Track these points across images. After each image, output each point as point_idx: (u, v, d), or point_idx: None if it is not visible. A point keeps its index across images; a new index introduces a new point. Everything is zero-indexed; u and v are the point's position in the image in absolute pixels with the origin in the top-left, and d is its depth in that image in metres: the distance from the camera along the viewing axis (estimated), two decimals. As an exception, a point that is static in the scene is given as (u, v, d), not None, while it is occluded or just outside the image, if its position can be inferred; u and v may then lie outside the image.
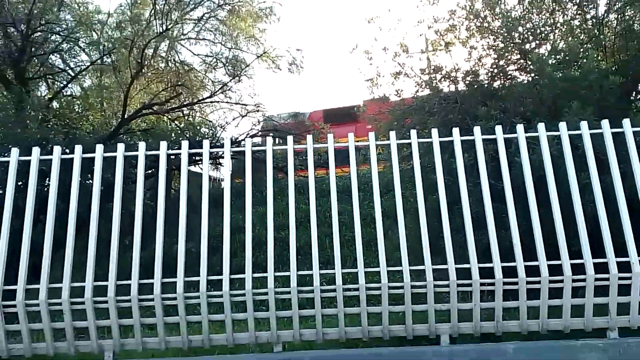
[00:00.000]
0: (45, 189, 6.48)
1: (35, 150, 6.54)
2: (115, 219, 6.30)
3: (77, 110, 14.06)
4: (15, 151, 6.53)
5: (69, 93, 15.20)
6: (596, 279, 5.83)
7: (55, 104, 13.96)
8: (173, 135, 14.26)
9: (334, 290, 6.00)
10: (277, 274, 6.10)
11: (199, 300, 6.00)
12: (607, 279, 5.83)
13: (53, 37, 14.15)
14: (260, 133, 15.26)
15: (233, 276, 6.05)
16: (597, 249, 5.93)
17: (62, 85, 14.88)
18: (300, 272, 6.08)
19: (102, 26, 14.73)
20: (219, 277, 6.03)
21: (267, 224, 6.31)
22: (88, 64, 14.77)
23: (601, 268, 5.88)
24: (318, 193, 6.71)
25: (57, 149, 6.54)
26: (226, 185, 6.47)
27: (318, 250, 6.19)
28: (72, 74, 14.93)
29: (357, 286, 5.98)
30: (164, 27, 14.48)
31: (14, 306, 5.97)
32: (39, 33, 13.36)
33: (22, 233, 6.20)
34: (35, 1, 12.81)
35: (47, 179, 6.49)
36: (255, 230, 6.39)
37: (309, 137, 6.81)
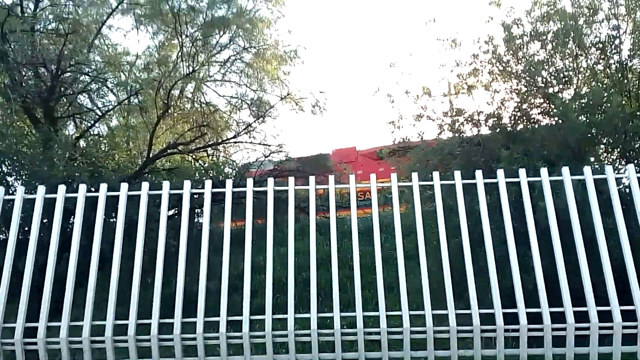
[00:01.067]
0: (70, 226, 6.53)
1: (61, 188, 6.62)
2: (137, 257, 6.32)
3: (103, 149, 14.20)
4: (41, 189, 6.61)
5: (96, 132, 15.37)
6: (624, 327, 5.70)
7: (82, 143, 14.12)
8: (197, 174, 14.33)
9: (355, 334, 5.93)
10: (298, 315, 6.04)
11: (218, 341, 5.95)
12: (635, 327, 5.69)
13: (82, 78, 14.37)
14: (283, 173, 15.31)
15: (253, 317, 6.02)
16: (625, 296, 5.82)
17: (89, 124, 15.07)
18: (321, 314, 6.03)
19: (130, 67, 14.95)
20: (239, 318, 5.99)
21: (287, 264, 6.28)
22: (115, 104, 14.95)
23: (629, 316, 5.75)
24: (339, 234, 6.68)
25: (82, 187, 6.62)
26: (248, 225, 6.47)
27: (339, 292, 6.13)
28: (100, 114, 15.12)
29: (379, 330, 5.91)
30: (191, 69, 14.67)
31: (35, 344, 5.97)
32: (69, 73, 13.59)
33: (46, 269, 6.23)
34: (66, 42, 13.09)
35: (72, 216, 6.55)
36: (275, 271, 6.36)
37: (331, 178, 6.83)
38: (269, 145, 15.84)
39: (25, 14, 13.93)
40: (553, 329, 5.76)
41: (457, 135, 9.85)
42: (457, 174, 6.57)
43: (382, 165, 14.91)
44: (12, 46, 12.72)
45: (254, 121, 15.83)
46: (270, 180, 6.73)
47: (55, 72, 13.00)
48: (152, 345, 5.93)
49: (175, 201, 7.41)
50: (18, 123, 13.82)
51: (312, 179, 6.80)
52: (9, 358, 6.08)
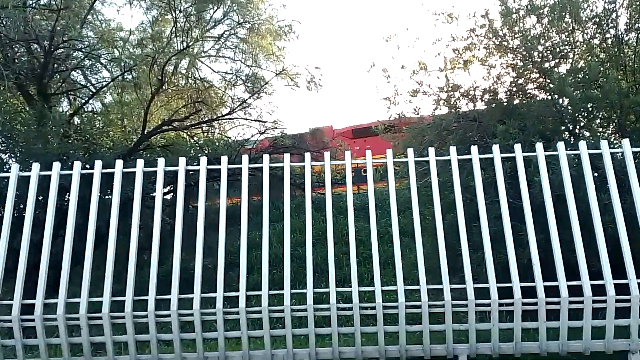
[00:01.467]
0: (65, 204, 6.53)
1: (56, 166, 6.61)
2: (133, 234, 6.33)
3: (97, 126, 14.16)
4: (36, 166, 6.59)
5: (90, 109, 15.32)
6: (617, 300, 5.75)
7: (76, 120, 14.08)
8: (192, 151, 14.33)
9: (351, 309, 5.97)
10: (294, 291, 6.08)
11: (215, 317, 5.99)
12: (629, 300, 5.74)
13: (75, 54, 14.30)
14: (278, 149, 15.32)
15: (250, 293, 6.05)
16: (618, 270, 5.86)
17: (83, 101, 15.01)
18: (317, 290, 6.07)
19: (123, 43, 14.86)
20: (236, 294, 6.02)
21: (284, 240, 6.30)
22: (109, 80, 14.89)
23: (622, 289, 5.79)
24: (335, 210, 6.71)
25: (77, 164, 6.61)
26: (243, 202, 6.47)
27: (335, 268, 6.16)
28: (94, 90, 15.06)
29: (374, 305, 5.95)
30: (185, 45, 14.59)
31: (32, 320, 6.00)
32: (62, 50, 13.51)
33: (42, 247, 6.24)
34: (59, 18, 12.97)
35: (67, 193, 6.56)
36: (272, 247, 6.39)
37: (327, 155, 6.82)
38: (265, 122, 15.84)
39: (17, -11, 13.79)
40: (547, 303, 5.81)
41: (453, 110, 9.83)
42: (453, 149, 6.57)
43: (357, 143, 15.01)
44: (4, 22, 12.62)
45: (249, 97, 15.81)
46: (266, 157, 6.71)
47: (48, 49, 12.91)
48: (149, 321, 5.97)
49: (171, 178, 7.40)
50: (11, 100, 13.77)
51: (307, 155, 6.79)
52: (7, 335, 6.12)
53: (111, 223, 6.35)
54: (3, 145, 12.78)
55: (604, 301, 5.76)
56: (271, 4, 16.13)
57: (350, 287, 6.02)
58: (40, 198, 6.69)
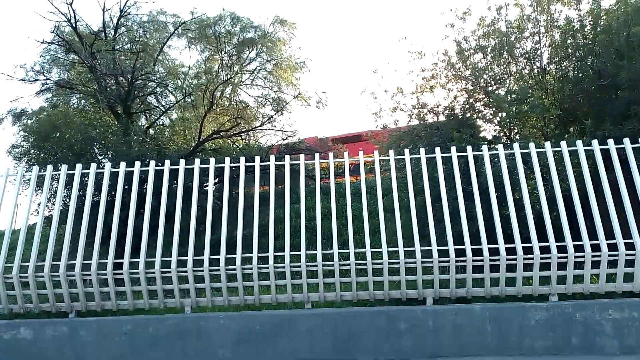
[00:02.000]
0: (144, 191, 6.58)
1: (137, 164, 6.66)
2: (193, 212, 6.37)
3: (166, 135, 14.24)
4: (122, 164, 6.64)
5: (161, 123, 15.40)
6: (541, 258, 5.74)
7: (151, 131, 14.16)
8: (234, 153, 14.36)
9: (349, 265, 5.99)
10: (308, 252, 6.11)
11: (252, 271, 6.03)
12: (549, 258, 5.74)
13: (150, 84, 14.37)
14: (296, 151, 15.36)
15: (276, 254, 6.08)
16: (542, 236, 5.85)
17: (156, 117, 15.09)
18: (324, 251, 6.08)
19: (184, 76, 14.91)
20: (266, 254, 6.05)
21: (300, 216, 6.33)
22: (174, 103, 14.96)
23: (544, 250, 5.79)
24: (337, 194, 6.72)
25: (152, 163, 6.65)
26: (271, 189, 6.49)
27: (337, 236, 6.18)
28: (163, 110, 15.15)
29: (366, 262, 5.97)
30: (228, 76, 14.63)
31: (121, 274, 6.06)
32: (140, 81, 13.58)
33: (127, 222, 6.30)
34: (138, 58, 13.06)
35: (145, 184, 6.59)
36: (292, 221, 6.41)
37: (331, 155, 6.84)
38: (286, 131, 15.86)
39: (108, 38, 13.88)
40: (490, 260, 5.81)
41: (422, 122, 9.82)
42: (422, 150, 6.56)
43: (336, 148, 15.07)
44: (99, 61, 12.69)
45: (275, 114, 15.80)
46: (287, 157, 6.75)
47: (130, 80, 12.99)
48: (204, 274, 6.02)
49: (219, 172, 7.42)
50: (105, 117, 13.88)
51: (317, 155, 6.83)
52: (104, 284, 6.18)
53: (177, 204, 6.39)
54: (99, 149, 12.87)
55: (532, 258, 5.76)
56: (290, 47, 16.13)
57: (349, 249, 6.04)
58: (125, 187, 6.73)
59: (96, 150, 12.90)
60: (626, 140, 6.22)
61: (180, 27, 14.78)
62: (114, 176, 6.70)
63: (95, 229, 6.26)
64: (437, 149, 6.54)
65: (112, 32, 14.29)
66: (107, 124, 13.54)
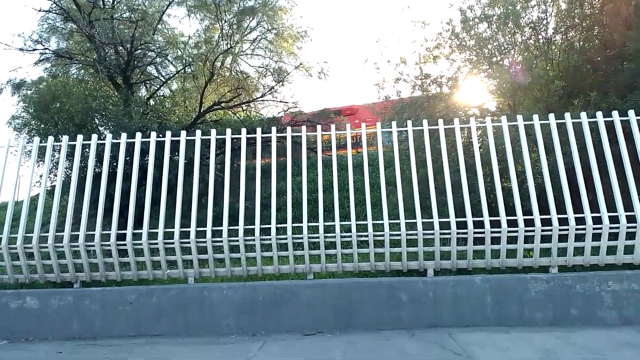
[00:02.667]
0: (145, 162, 6.55)
1: (138, 135, 6.61)
2: (195, 184, 6.36)
3: (167, 106, 14.13)
4: (124, 136, 6.59)
5: (161, 94, 15.28)
6: (542, 230, 5.75)
7: (151, 102, 14.05)
8: (235, 124, 14.30)
9: (350, 237, 6.01)
10: (310, 224, 6.11)
11: (254, 242, 6.05)
12: (550, 230, 5.74)
13: (150, 54, 14.20)
14: (297, 123, 15.28)
15: (278, 225, 6.09)
16: (543, 209, 5.84)
17: (156, 88, 14.96)
18: (326, 223, 6.09)
19: (184, 45, 14.69)
20: (269, 226, 6.07)
21: (302, 189, 6.31)
22: (174, 73, 14.80)
23: (545, 222, 5.79)
24: (339, 166, 6.69)
25: (153, 134, 6.60)
26: (273, 161, 6.47)
27: (339, 208, 6.18)
28: (164, 80, 15.00)
29: (367, 234, 5.98)
30: (229, 46, 14.41)
31: (125, 245, 6.09)
32: (140, 50, 13.41)
33: (130, 193, 6.29)
34: (137, 27, 12.86)
35: (146, 155, 6.56)
36: (294, 193, 6.40)
37: (333, 127, 6.77)
38: (287, 103, 15.75)
39: (106, 6, 13.63)
40: (492, 232, 5.81)
41: (425, 93, 9.70)
42: (425, 122, 6.49)
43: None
44: (97, 30, 12.50)
45: (276, 85, 15.66)
46: (289, 128, 6.68)
47: (130, 50, 12.83)
48: (207, 245, 6.04)
49: (220, 144, 7.37)
50: (104, 88, 13.74)
51: (319, 127, 6.75)
52: (107, 254, 6.22)
53: (179, 176, 6.37)
54: (100, 120, 12.80)
55: (533, 231, 5.77)
56: (292, 15, 15.86)
57: (350, 221, 6.05)
58: (127, 158, 6.71)
59: (97, 121, 12.83)
60: (631, 112, 6.14)
61: (179, -5, 14.49)
62: (115, 147, 6.66)
63: (98, 201, 6.26)
64: (440, 121, 6.47)
65: (111, 0, 14.03)
66: (107, 95, 13.42)
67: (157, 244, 6.07)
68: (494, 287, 5.60)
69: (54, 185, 7.79)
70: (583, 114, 6.19)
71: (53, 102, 12.10)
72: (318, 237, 6.02)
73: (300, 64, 15.62)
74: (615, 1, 8.11)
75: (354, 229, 5.98)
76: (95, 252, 6.13)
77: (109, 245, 6.08)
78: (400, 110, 9.59)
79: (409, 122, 6.57)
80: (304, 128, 6.73)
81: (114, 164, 7.28)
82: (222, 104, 14.52)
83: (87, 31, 12.41)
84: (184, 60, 14.10)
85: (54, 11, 13.82)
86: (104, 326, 5.77)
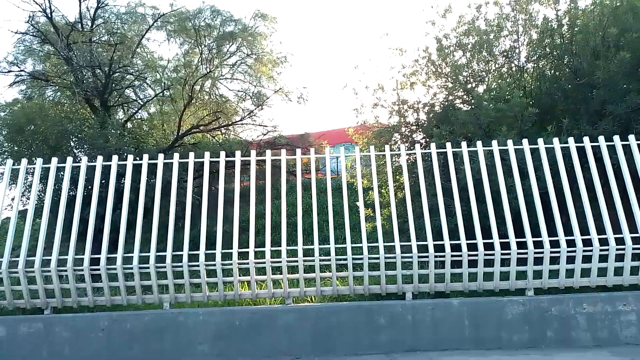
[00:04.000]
0: (121, 186, 6.47)
1: (115, 158, 6.55)
2: (172, 207, 6.30)
3: (144, 129, 14.05)
4: (100, 158, 6.53)
5: (139, 117, 15.19)
6: (518, 253, 5.84)
7: (129, 125, 13.96)
8: (214, 148, 14.28)
9: (329, 260, 6.00)
10: (289, 248, 6.08)
11: (232, 267, 5.99)
12: (526, 253, 5.83)
13: (128, 77, 14.16)
14: (277, 146, 15.34)
15: (257, 249, 6.05)
16: (519, 232, 5.94)
17: (134, 111, 14.87)
18: (305, 247, 6.07)
19: (163, 69, 14.70)
20: (247, 250, 6.02)
21: (281, 212, 6.30)
22: (153, 96, 14.76)
23: (521, 245, 5.88)
24: (318, 190, 6.71)
25: (130, 157, 6.55)
26: (252, 184, 6.46)
27: (318, 231, 6.18)
28: (142, 103, 14.94)
29: (346, 257, 5.98)
30: (208, 70, 14.48)
31: (99, 269, 5.96)
32: (118, 73, 13.37)
33: (105, 217, 6.19)
34: (115, 50, 12.85)
35: (123, 178, 6.48)
36: (272, 217, 6.38)
37: (312, 150, 6.82)
38: (266, 126, 15.81)
39: (85, 29, 13.61)
40: (469, 255, 5.88)
41: (402, 119, 9.86)
42: (402, 146, 6.61)
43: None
44: (75, 53, 12.45)
45: (255, 109, 15.74)
46: (268, 152, 6.70)
47: (108, 73, 12.79)
48: (183, 270, 5.96)
49: (199, 167, 7.35)
50: (81, 110, 13.63)
51: (298, 151, 6.79)
52: (80, 279, 6.08)
53: (155, 199, 6.30)
54: (75, 142, 12.64)
55: (509, 254, 5.85)
56: (271, 41, 16.06)
57: (329, 244, 6.05)
58: (102, 181, 6.62)
59: (72, 144, 12.67)
60: (601, 139, 6.35)
61: (159, 20, 14.57)
62: (90, 170, 6.57)
63: (72, 224, 6.14)
64: (417, 146, 6.58)
65: (89, 23, 14.02)
66: (84, 117, 13.29)
67: (132, 268, 5.95)
68: (471, 310, 5.64)
69: (27, 209, 7.61)
70: (555, 140, 6.38)
71: (28, 125, 11.92)
72: (297, 261, 6.00)
73: (280, 88, 15.77)
74: (584, 32, 8.45)
75: (332, 252, 5.98)
76: (67, 277, 5.97)
77: (82, 270, 5.94)
78: (378, 135, 9.72)
79: (387, 147, 6.66)
80: (283, 151, 6.75)
81: (89, 187, 7.16)
82: (201, 127, 14.50)
83: (65, 54, 12.35)
84: (162, 84, 14.09)
85: (30, 33, 13.73)
86: (75, 354, 5.59)
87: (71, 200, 6.49)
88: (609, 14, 8.37)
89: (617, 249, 5.80)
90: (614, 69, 7.63)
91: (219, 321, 5.68)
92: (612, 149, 6.33)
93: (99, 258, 5.97)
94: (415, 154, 6.51)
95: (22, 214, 9.34)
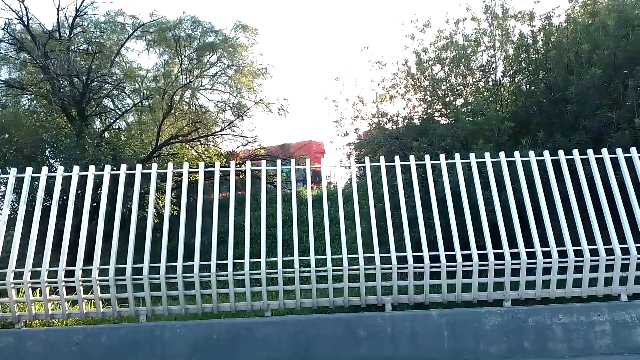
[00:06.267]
0: (98, 196, 6.36)
1: (91, 168, 6.44)
2: (149, 218, 6.21)
3: (122, 139, 13.88)
4: (76, 168, 6.41)
5: (117, 127, 15.02)
6: (496, 264, 5.89)
7: (106, 134, 13.77)
8: (193, 158, 14.18)
9: (309, 272, 5.98)
10: (268, 259, 6.04)
11: (210, 279, 5.92)
12: (503, 264, 5.90)
13: (106, 86, 14.00)
14: (257, 157, 15.31)
15: (236, 261, 5.99)
16: (496, 243, 6.01)
17: (112, 120, 14.71)
18: (285, 258, 6.04)
19: (142, 79, 14.59)
20: (225, 262, 5.95)
21: (260, 223, 6.26)
22: (131, 106, 14.61)
23: (498, 256, 5.95)
24: (298, 201, 6.70)
25: (107, 167, 6.44)
26: (231, 195, 6.41)
27: (298, 243, 6.16)
28: (120, 113, 14.78)
29: (326, 269, 5.96)
30: (188, 80, 14.43)
31: (73, 282, 5.83)
32: (96, 82, 13.21)
33: (80, 228, 6.07)
34: (94, 59, 12.71)
35: (100, 188, 6.37)
36: (252, 228, 6.33)
37: (292, 161, 6.81)
38: (246, 137, 15.81)
39: (62, 38, 13.44)
40: (447, 267, 5.91)
41: (382, 131, 9.95)
42: (382, 158, 6.63)
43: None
44: (52, 61, 12.27)
45: (235, 119, 15.74)
46: (248, 162, 6.68)
47: (85, 82, 12.63)
48: (160, 282, 5.86)
49: (177, 177, 7.27)
50: (57, 120, 13.41)
51: (278, 162, 6.78)
52: (54, 292, 5.93)
53: (133, 210, 6.20)
54: (51, 152, 12.41)
55: (487, 265, 5.90)
56: (252, 52, 16.14)
57: (309, 256, 6.02)
58: (79, 192, 6.49)
59: (48, 154, 12.45)
60: (575, 152, 6.50)
61: (139, 29, 14.49)
62: (66, 181, 6.44)
63: (46, 235, 5.99)
64: (397, 158, 6.62)
65: (67, 31, 13.86)
66: (60, 127, 13.09)
67: (107, 280, 5.83)
68: (450, 322, 5.66)
69: (-2, 220, 7.40)
70: (531, 153, 6.50)
71: (1, 133, 11.69)
72: (276, 273, 5.95)
73: (260, 99, 15.80)
74: (558, 48, 8.68)
75: (312, 263, 5.95)
76: (40, 290, 5.82)
77: (56, 282, 5.79)
78: (358, 147, 9.78)
79: (367, 159, 6.69)
80: (263, 162, 6.73)
81: (65, 198, 7.02)
82: (180, 137, 14.41)
83: (42, 62, 12.16)
84: (141, 93, 13.98)
85: (6, 41, 13.50)
86: (47, 369, 5.43)
87: (46, 211, 6.34)
88: (582, 30, 8.62)
89: (591, 260, 5.90)
90: (586, 84, 7.84)
91: (196, 334, 5.59)
92: (586, 162, 6.47)
93: (74, 270, 5.84)
94: (394, 166, 6.55)
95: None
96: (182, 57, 14.91)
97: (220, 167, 6.61)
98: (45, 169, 6.38)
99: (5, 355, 5.45)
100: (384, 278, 6.03)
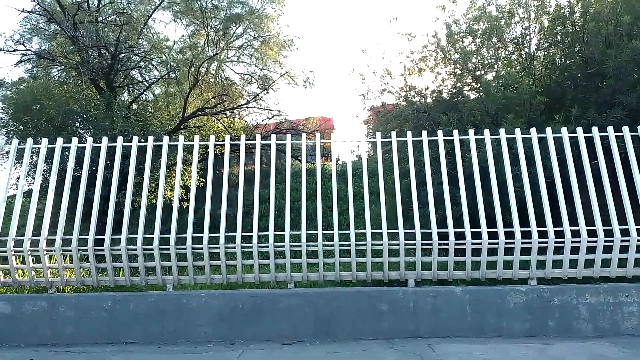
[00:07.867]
0: (126, 167, 6.50)
1: (120, 139, 6.56)
2: (176, 190, 6.33)
3: (150, 111, 14.06)
4: (105, 139, 6.55)
5: (144, 98, 15.19)
6: (522, 242, 5.83)
7: (134, 106, 13.97)
8: (219, 131, 14.30)
9: (333, 246, 6.02)
10: (292, 232, 6.11)
11: (235, 250, 6.03)
12: (530, 243, 5.83)
13: (134, 58, 14.14)
14: (282, 130, 15.33)
15: (260, 233, 6.07)
16: (524, 221, 5.94)
17: (139, 92, 14.89)
18: (309, 232, 6.09)
19: (169, 50, 14.68)
20: (250, 234, 6.04)
21: (285, 196, 6.32)
22: (158, 77, 14.74)
23: (525, 235, 5.88)
24: (323, 175, 6.71)
25: (135, 138, 6.55)
26: (256, 168, 6.47)
27: (322, 217, 6.20)
28: (147, 85, 14.94)
29: (349, 243, 6.00)
30: (214, 52, 14.45)
31: (103, 250, 6.02)
32: (124, 54, 13.36)
33: (109, 198, 6.23)
34: (122, 31, 12.82)
35: (127, 159, 6.50)
36: (276, 201, 6.39)
37: (317, 135, 6.81)
38: (272, 110, 15.81)
39: (91, 9, 13.57)
40: (472, 244, 5.88)
41: (409, 105, 9.82)
42: (409, 133, 6.57)
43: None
44: (81, 33, 12.42)
45: (261, 92, 15.74)
46: (273, 136, 6.68)
47: (113, 53, 12.78)
48: (187, 252, 6.00)
49: (203, 150, 7.35)
50: (87, 91, 13.65)
51: (303, 135, 6.78)
52: (84, 260, 6.14)
53: (160, 181, 6.33)
54: (81, 123, 12.68)
55: (513, 243, 5.85)
56: (278, 24, 15.99)
57: (333, 230, 6.06)
58: (107, 162, 6.64)
59: (78, 124, 12.72)
60: (610, 129, 6.30)
61: (165, 0, 14.48)
62: (95, 151, 6.59)
63: (76, 205, 6.19)
64: (424, 133, 6.55)
65: (96, 3, 13.97)
66: (89, 98, 13.33)
67: (136, 249, 6.00)
68: (473, 299, 5.66)
69: (32, 188, 7.67)
70: (564, 129, 6.33)
71: (33, 104, 11.97)
72: (300, 246, 6.03)
73: (286, 72, 15.73)
74: (596, 20, 8.35)
75: (336, 237, 6.00)
76: (72, 257, 6.04)
77: (87, 250, 6.00)
78: (385, 121, 9.69)
79: (393, 133, 6.64)
80: (288, 136, 6.73)
81: (94, 168, 7.20)
82: (206, 110, 14.52)
83: (71, 33, 12.33)
84: (168, 65, 14.08)
85: (36, 12, 13.71)
86: (78, 333, 5.67)
87: (76, 181, 6.53)
88: (622, 1, 8.25)
89: (621, 241, 5.78)
90: (626, 59, 7.55)
91: (221, 304, 5.74)
92: (620, 140, 6.28)
93: (103, 239, 6.03)
94: (421, 141, 6.48)
95: (27, 194, 9.42)
96: (209, 28, 14.90)
97: (246, 140, 6.66)
98: (75, 140, 6.53)
99: (38, 318, 5.71)
100: (407, 254, 6.04)
